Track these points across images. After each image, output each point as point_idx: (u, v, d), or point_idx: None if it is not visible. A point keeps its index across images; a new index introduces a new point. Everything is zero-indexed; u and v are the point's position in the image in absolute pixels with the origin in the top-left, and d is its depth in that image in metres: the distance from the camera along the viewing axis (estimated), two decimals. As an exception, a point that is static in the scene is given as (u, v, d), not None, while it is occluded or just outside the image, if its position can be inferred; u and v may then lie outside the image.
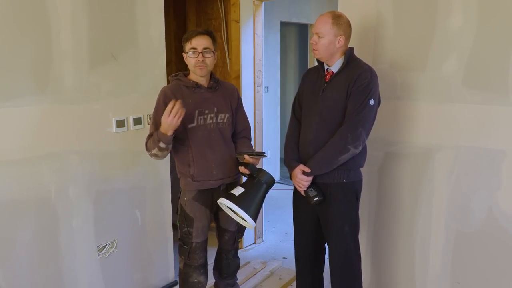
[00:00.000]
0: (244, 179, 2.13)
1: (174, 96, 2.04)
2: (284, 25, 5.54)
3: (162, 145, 1.95)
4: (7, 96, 1.96)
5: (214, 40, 2.10)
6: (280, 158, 5.75)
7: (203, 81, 2.11)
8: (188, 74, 2.16)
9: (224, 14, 3.30)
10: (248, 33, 3.29)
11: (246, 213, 1.86)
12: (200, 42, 2.03)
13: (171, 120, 1.86)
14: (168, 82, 2.26)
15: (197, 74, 2.08)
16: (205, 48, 2.03)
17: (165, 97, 2.04)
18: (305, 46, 6.13)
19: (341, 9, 2.38)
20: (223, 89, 2.19)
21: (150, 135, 2.05)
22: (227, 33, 3.31)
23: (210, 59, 2.06)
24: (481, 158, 2.06)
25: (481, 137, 2.04)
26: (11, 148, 2.00)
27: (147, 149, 2.05)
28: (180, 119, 1.89)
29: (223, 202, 1.92)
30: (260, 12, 3.33)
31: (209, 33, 2.08)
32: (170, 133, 1.91)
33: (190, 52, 2.04)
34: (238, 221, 1.99)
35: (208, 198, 2.14)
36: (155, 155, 2.02)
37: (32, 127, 2.06)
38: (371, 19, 2.32)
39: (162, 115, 1.97)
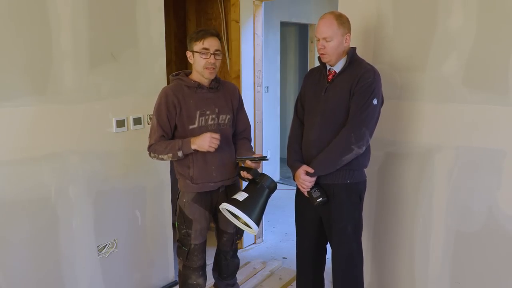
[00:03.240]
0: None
1: (175, 96, 2.03)
2: (284, 25, 5.54)
3: (180, 154, 1.97)
4: (7, 96, 1.96)
5: (221, 42, 2.10)
6: (280, 158, 5.75)
7: (205, 81, 2.09)
8: (190, 73, 2.13)
9: (224, 14, 3.30)
10: (248, 33, 3.29)
11: (250, 218, 1.85)
12: (212, 43, 2.02)
13: (212, 144, 1.92)
14: (168, 81, 2.25)
15: (205, 77, 2.05)
16: (216, 50, 2.03)
17: (167, 98, 2.03)
18: (305, 46, 6.12)
19: (341, 9, 2.38)
20: (224, 89, 2.17)
21: (158, 138, 2.02)
22: (227, 33, 3.31)
23: (219, 62, 2.06)
24: (481, 158, 2.06)
25: (481, 137, 2.04)
26: (11, 148, 2.00)
27: (154, 151, 2.03)
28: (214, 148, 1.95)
29: (226, 207, 1.91)
30: (260, 12, 3.33)
31: (218, 35, 2.07)
32: (194, 147, 1.96)
33: (202, 52, 2.01)
34: (239, 226, 1.97)
35: (208, 200, 2.13)
36: (161, 159, 2.04)
37: (32, 127, 2.06)
38: (371, 19, 2.32)
39: (165, 116, 1.99)
